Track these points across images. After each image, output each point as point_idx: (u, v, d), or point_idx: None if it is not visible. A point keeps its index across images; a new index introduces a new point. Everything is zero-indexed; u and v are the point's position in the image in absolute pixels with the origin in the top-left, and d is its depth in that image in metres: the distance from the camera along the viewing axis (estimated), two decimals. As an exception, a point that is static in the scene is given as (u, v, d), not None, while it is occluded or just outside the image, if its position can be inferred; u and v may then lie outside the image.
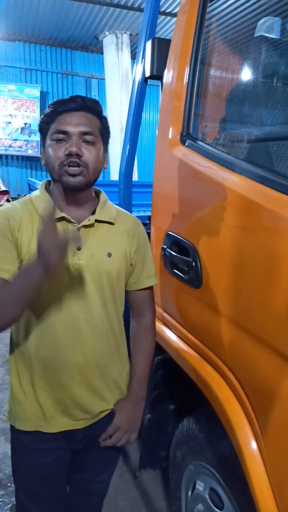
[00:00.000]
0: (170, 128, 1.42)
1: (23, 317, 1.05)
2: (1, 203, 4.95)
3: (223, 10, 1.56)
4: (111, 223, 1.10)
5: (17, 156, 7.83)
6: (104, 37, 7.03)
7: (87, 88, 8.25)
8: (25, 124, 7.60)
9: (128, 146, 1.82)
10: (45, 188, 1.10)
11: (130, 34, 6.97)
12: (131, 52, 7.15)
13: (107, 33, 6.93)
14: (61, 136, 0.99)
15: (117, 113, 6.77)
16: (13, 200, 1.14)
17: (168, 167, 1.43)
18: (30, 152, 7.72)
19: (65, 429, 1.11)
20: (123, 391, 1.19)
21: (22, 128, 7.59)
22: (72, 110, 1.00)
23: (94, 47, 7.89)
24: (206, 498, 1.29)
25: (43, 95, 7.74)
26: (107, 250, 1.07)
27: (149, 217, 1.89)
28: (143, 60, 1.63)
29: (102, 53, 7.35)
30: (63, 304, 1.03)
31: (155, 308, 1.27)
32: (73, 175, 0.99)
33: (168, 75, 1.47)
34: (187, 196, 1.31)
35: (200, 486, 1.34)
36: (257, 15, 1.54)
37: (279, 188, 0.92)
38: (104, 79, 7.38)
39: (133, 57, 7.14)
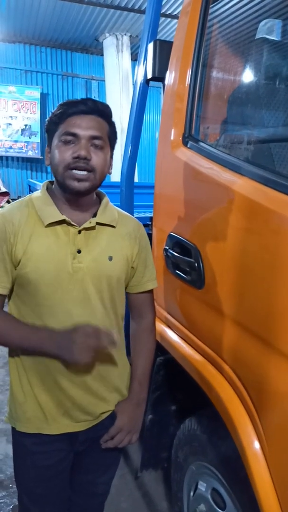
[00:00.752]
0: (172, 130, 1.42)
1: (23, 318, 1.05)
2: (1, 204, 4.94)
3: (224, 12, 1.57)
4: (113, 226, 1.09)
5: (18, 158, 7.82)
6: (104, 39, 7.04)
7: (87, 90, 8.24)
8: (26, 125, 7.59)
9: (130, 148, 1.83)
10: (47, 188, 1.09)
11: (130, 36, 6.98)
12: (131, 54, 7.16)
13: (107, 34, 6.94)
14: (69, 138, 0.97)
15: (117, 114, 6.77)
16: (13, 202, 1.13)
17: (170, 168, 1.43)
18: (30, 154, 7.71)
19: (67, 431, 1.10)
20: (123, 393, 1.18)
21: (23, 130, 7.59)
22: (82, 112, 0.98)
23: (95, 48, 7.89)
24: (208, 499, 1.30)
25: (44, 97, 7.74)
26: (108, 253, 1.06)
27: (150, 218, 1.90)
28: (145, 62, 1.64)
29: (102, 55, 7.35)
30: (62, 307, 1.02)
31: (155, 308, 1.27)
32: (79, 180, 0.98)
33: (170, 77, 1.48)
34: (189, 197, 1.31)
35: (202, 486, 1.34)
36: (258, 17, 1.55)
37: (280, 189, 0.92)
38: (104, 81, 7.38)
39: (133, 58, 7.16)
